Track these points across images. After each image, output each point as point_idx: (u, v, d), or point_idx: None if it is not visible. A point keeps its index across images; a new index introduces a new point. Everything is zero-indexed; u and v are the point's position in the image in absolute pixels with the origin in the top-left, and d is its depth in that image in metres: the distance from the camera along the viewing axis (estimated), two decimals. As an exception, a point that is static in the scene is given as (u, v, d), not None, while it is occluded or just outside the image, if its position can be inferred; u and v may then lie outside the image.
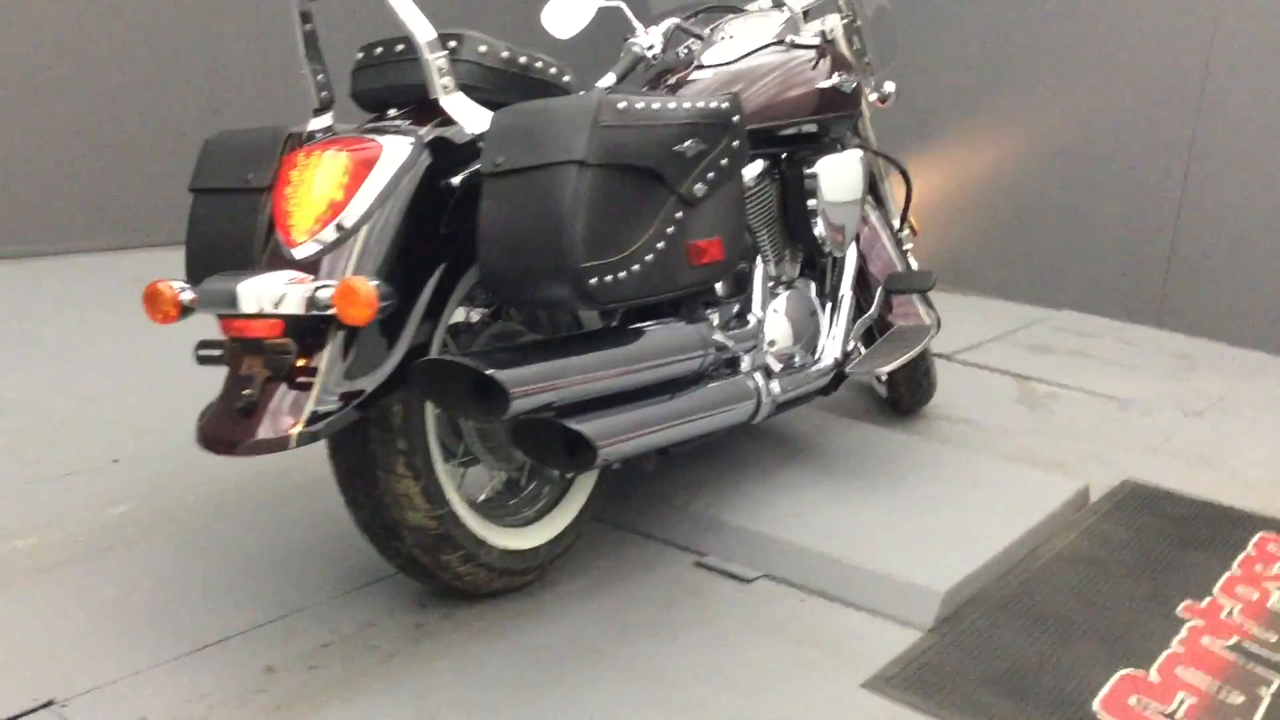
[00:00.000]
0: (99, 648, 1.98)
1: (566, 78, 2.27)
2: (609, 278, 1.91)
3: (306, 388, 1.87)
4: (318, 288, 1.84)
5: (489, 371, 1.85)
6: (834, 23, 3.18)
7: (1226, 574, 2.71)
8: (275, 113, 5.29)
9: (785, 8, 3.01)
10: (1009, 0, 5.48)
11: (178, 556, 2.31)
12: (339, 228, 1.93)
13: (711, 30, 3.01)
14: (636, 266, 1.97)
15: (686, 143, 2.05)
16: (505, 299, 1.99)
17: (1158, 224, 5.17)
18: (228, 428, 1.86)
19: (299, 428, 1.83)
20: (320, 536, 2.45)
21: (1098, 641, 2.32)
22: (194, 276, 2.15)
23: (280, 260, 1.95)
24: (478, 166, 2.02)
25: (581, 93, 2.06)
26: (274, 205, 2.01)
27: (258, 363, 1.88)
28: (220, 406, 1.89)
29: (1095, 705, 2.10)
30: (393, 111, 2.13)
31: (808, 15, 3.08)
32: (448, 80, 2.04)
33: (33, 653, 1.95)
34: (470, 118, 2.05)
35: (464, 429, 2.22)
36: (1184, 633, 2.40)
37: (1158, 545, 2.83)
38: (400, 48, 2.11)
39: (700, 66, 2.84)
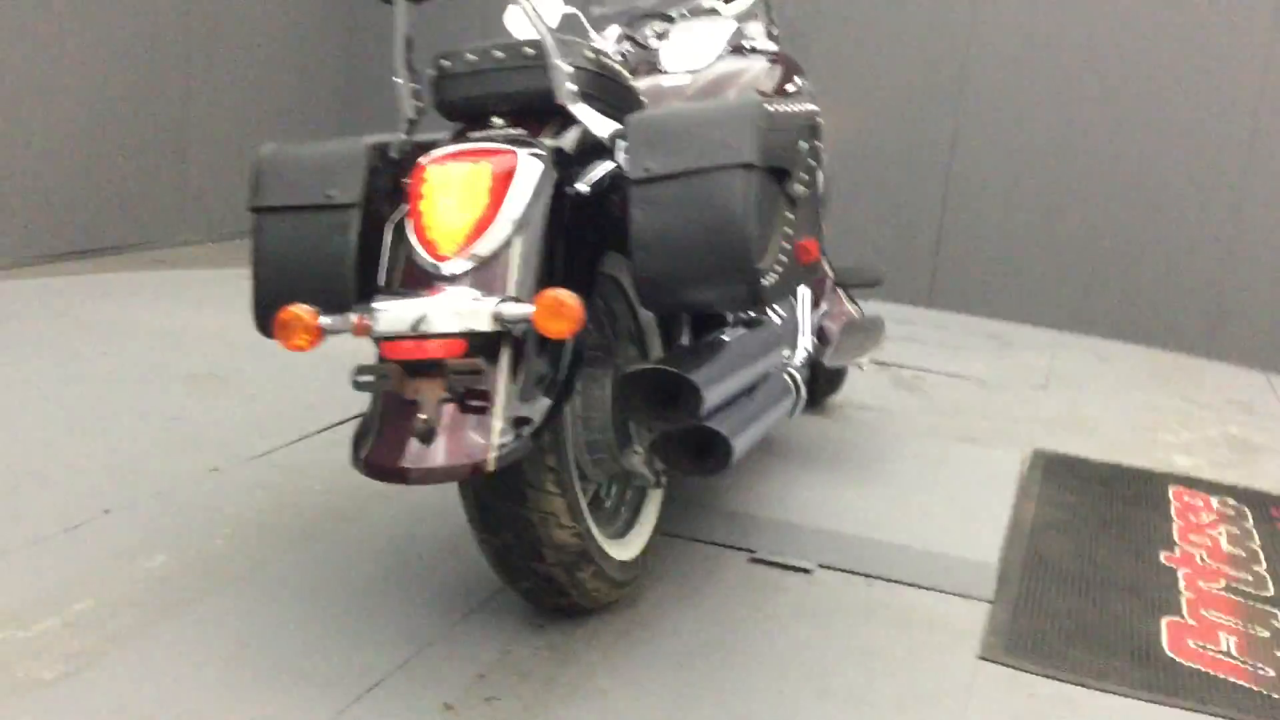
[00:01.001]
0: (259, 712, 1.81)
1: (630, 81, 2.27)
2: (771, 278, 1.93)
3: (482, 410, 1.79)
4: (505, 302, 1.77)
5: (690, 375, 1.84)
6: (757, 30, 3.28)
7: (1176, 526, 2.99)
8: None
9: (720, 15, 3.08)
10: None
11: (258, 602, 2.13)
12: (490, 242, 1.86)
13: (659, 36, 3.04)
14: (779, 267, 2.00)
15: (802, 144, 2.10)
16: (665, 304, 1.96)
17: (928, 212, 5.60)
18: (406, 455, 1.76)
19: (495, 451, 1.75)
20: (392, 564, 2.32)
21: (1128, 594, 2.53)
22: (268, 301, 2.01)
23: (425, 277, 1.86)
24: (607, 172, 1.99)
25: (727, 96, 2.05)
26: (411, 221, 1.91)
27: (433, 386, 1.78)
28: (390, 434, 1.78)
29: (1168, 650, 2.29)
30: (498, 120, 2.05)
31: (740, 19, 3.16)
32: (574, 86, 2.00)
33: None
34: (597, 123, 2.02)
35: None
36: (1182, 581, 2.64)
37: (1103, 506, 3.09)
38: (501, 54, 2.04)
39: (663, 71, 2.87)
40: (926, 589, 2.47)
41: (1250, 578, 2.71)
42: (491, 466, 1.75)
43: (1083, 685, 2.13)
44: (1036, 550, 2.72)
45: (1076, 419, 3.92)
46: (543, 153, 1.95)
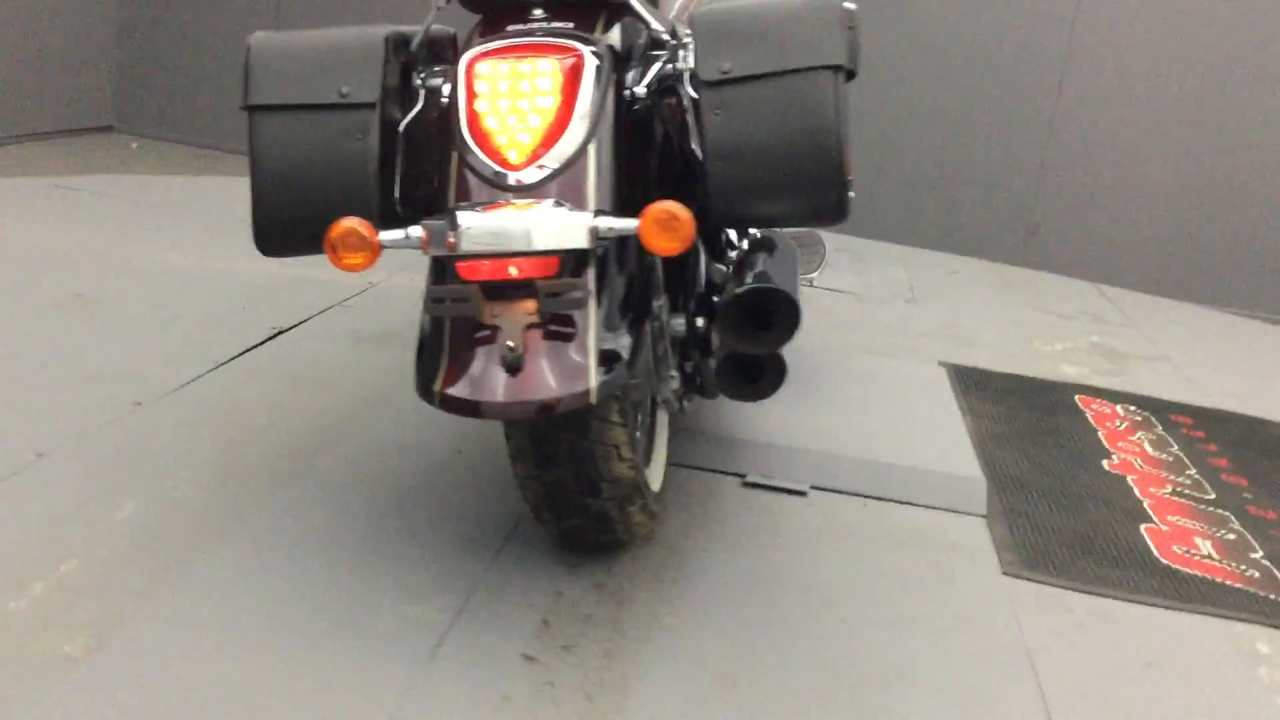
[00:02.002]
0: (334, 677, 1.61)
1: None
2: (852, 191, 1.83)
3: (572, 337, 1.62)
4: (601, 215, 1.60)
5: (795, 295, 1.72)
6: None
7: (1101, 434, 3.08)
8: None
9: None
10: None
11: (261, 554, 1.89)
12: (565, 149, 1.68)
13: None
14: (849, 178, 1.89)
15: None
16: (742, 217, 1.80)
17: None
18: (493, 388, 1.58)
19: (595, 380, 1.59)
20: (382, 503, 2.11)
21: (1098, 503, 2.58)
22: (272, 216, 1.77)
23: (490, 188, 1.67)
24: (657, 73, 1.83)
25: None
26: (466, 122, 1.70)
27: (517, 309, 1.60)
28: (470, 364, 1.60)
29: (1160, 558, 2.35)
30: (539, 12, 1.85)
31: None
32: None
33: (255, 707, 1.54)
34: (654, 18, 1.85)
35: None
36: (1135, 488, 2.72)
37: (1029, 416, 3.15)
38: None
39: None
40: (920, 506, 2.44)
41: (1189, 482, 2.81)
42: (595, 399, 1.59)
43: (1109, 597, 2.15)
44: (998, 463, 2.73)
45: (956, 331, 3.98)
46: (602, 51, 1.77)
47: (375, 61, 1.78)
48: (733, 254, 2.26)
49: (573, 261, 1.63)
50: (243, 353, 2.82)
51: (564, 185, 1.67)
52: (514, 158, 1.68)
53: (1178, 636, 2.03)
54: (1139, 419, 3.26)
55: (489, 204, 1.64)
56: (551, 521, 1.92)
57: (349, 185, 1.77)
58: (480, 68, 1.72)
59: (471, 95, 1.71)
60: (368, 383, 2.73)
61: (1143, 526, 2.49)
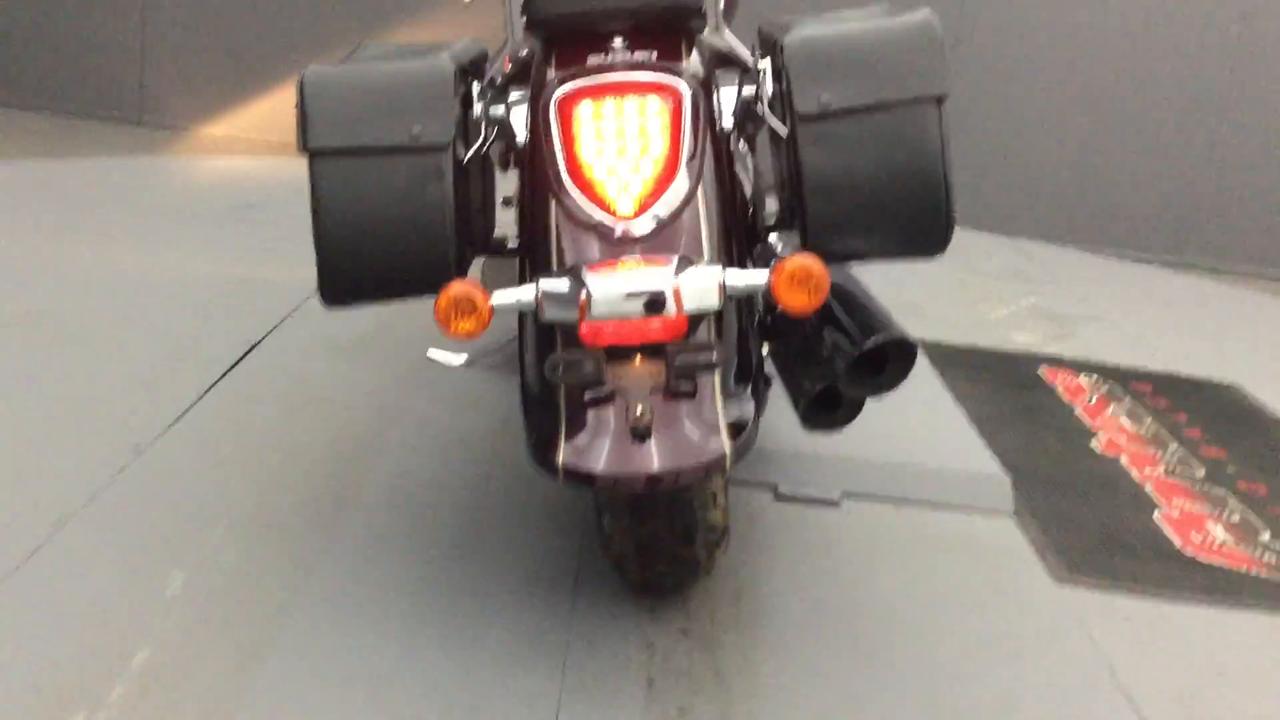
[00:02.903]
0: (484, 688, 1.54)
1: None
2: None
3: (697, 399, 1.56)
4: (731, 270, 1.54)
5: (909, 337, 1.68)
6: None
7: (1077, 409, 3.14)
8: None
9: None
10: None
11: (341, 620, 1.79)
12: (675, 195, 1.61)
13: None
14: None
15: None
16: (842, 254, 1.74)
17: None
18: (622, 458, 1.51)
19: (729, 442, 1.54)
20: (436, 548, 2.02)
21: (1104, 490, 2.64)
22: (340, 268, 1.66)
23: (605, 240, 1.59)
24: (741, 103, 1.77)
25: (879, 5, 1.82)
26: (566, 168, 1.61)
27: (643, 373, 1.53)
28: (593, 433, 1.53)
29: (1182, 549, 2.41)
30: (618, 41, 1.75)
31: None
32: (721, 4, 1.74)
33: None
34: (736, 44, 1.77)
35: None
36: (1132, 471, 2.78)
37: (1004, 395, 3.20)
38: None
39: None
40: (950, 509, 2.45)
41: (1176, 459, 2.88)
42: (730, 464, 1.53)
43: (1158, 598, 2.19)
44: (1007, 454, 2.76)
45: (905, 300, 4.01)
46: (695, 84, 1.69)
47: (447, 98, 1.66)
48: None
49: (698, 319, 1.56)
50: (224, 374, 2.66)
51: (678, 234, 1.60)
52: (625, 207, 1.60)
53: (1237, 639, 2.08)
54: (1104, 390, 3.33)
55: (606, 260, 1.55)
56: (635, 571, 1.86)
57: (424, 232, 1.65)
58: (582, 110, 1.62)
59: (570, 139, 1.62)
60: (367, 399, 2.61)
61: (1156, 514, 2.55)
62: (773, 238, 2.16)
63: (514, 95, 1.83)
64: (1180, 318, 4.32)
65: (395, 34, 5.73)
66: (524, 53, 1.77)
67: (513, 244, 1.97)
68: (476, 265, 2.50)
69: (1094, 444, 2.92)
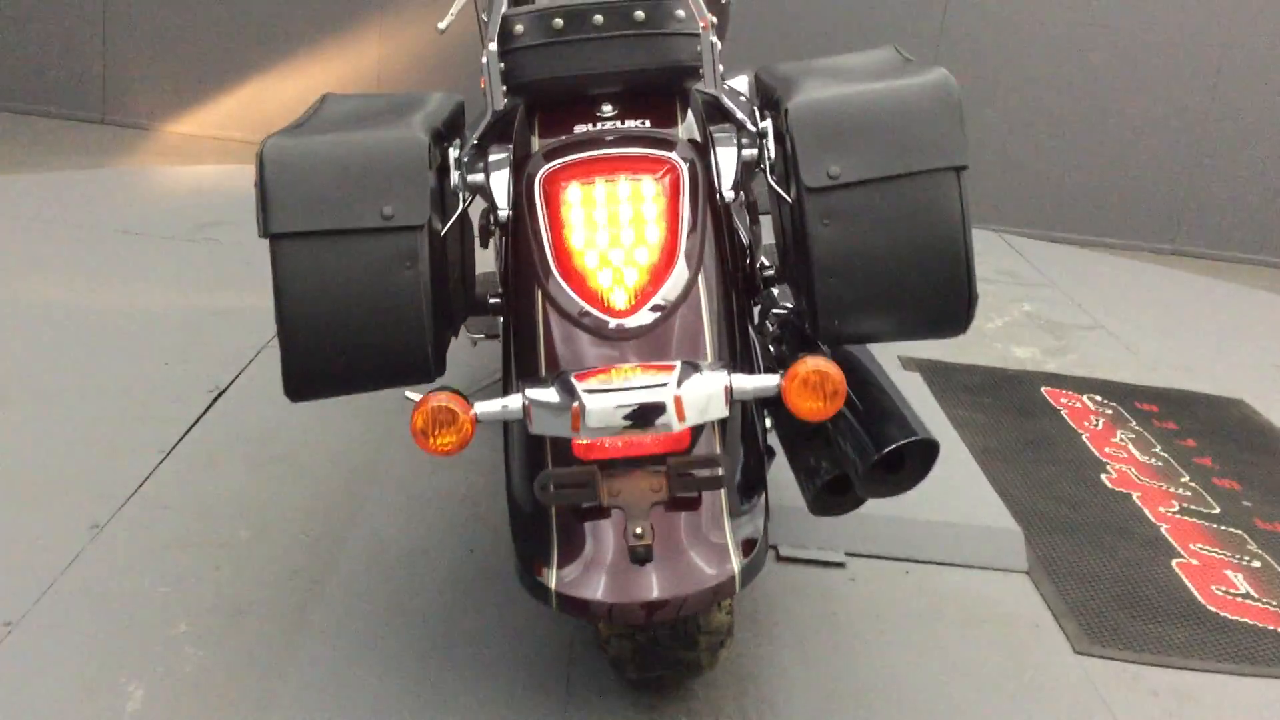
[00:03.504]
0: None
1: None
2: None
3: (701, 516, 1.42)
4: (738, 374, 1.40)
5: (932, 436, 1.54)
6: None
7: (1084, 437, 3.02)
8: None
9: None
10: None
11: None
12: (674, 287, 1.46)
13: None
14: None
15: None
16: (854, 335, 1.59)
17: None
18: (621, 585, 1.37)
19: (738, 565, 1.40)
20: (425, 643, 1.88)
21: (1118, 537, 2.51)
22: (304, 363, 1.51)
23: (597, 336, 1.44)
24: (739, 171, 1.62)
25: (899, 60, 1.66)
26: (554, 257, 1.46)
27: (641, 487, 1.39)
28: (588, 554, 1.39)
29: (1206, 604, 2.29)
30: (608, 108, 1.60)
31: None
32: (720, 66, 1.59)
33: None
34: (736, 105, 1.62)
35: None
36: (1145, 509, 2.66)
37: (1007, 422, 3.07)
38: (601, 17, 1.58)
39: None
40: (961, 567, 2.32)
41: (1189, 494, 2.76)
42: (740, 587, 1.39)
43: (1183, 668, 2.07)
44: (1007, 490, 2.63)
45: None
46: (691, 154, 1.54)
47: (421, 174, 1.50)
48: (770, 324, 2.05)
49: (701, 427, 1.41)
50: (188, 430, 2.50)
51: (677, 330, 1.46)
52: (620, 301, 1.45)
53: (1270, 714, 1.95)
54: (1109, 412, 3.21)
55: (599, 367, 1.40)
56: (633, 671, 1.72)
57: (399, 322, 1.50)
58: (570, 194, 1.47)
59: (558, 224, 1.47)
60: (340, 456, 2.45)
61: (1174, 562, 2.43)
62: (774, 293, 2.01)
63: (493, 156, 1.67)
64: (1178, 322, 4.19)
65: (365, 26, 5.53)
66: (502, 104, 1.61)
67: (493, 299, 1.83)
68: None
69: (1104, 478, 2.79)
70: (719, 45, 1.57)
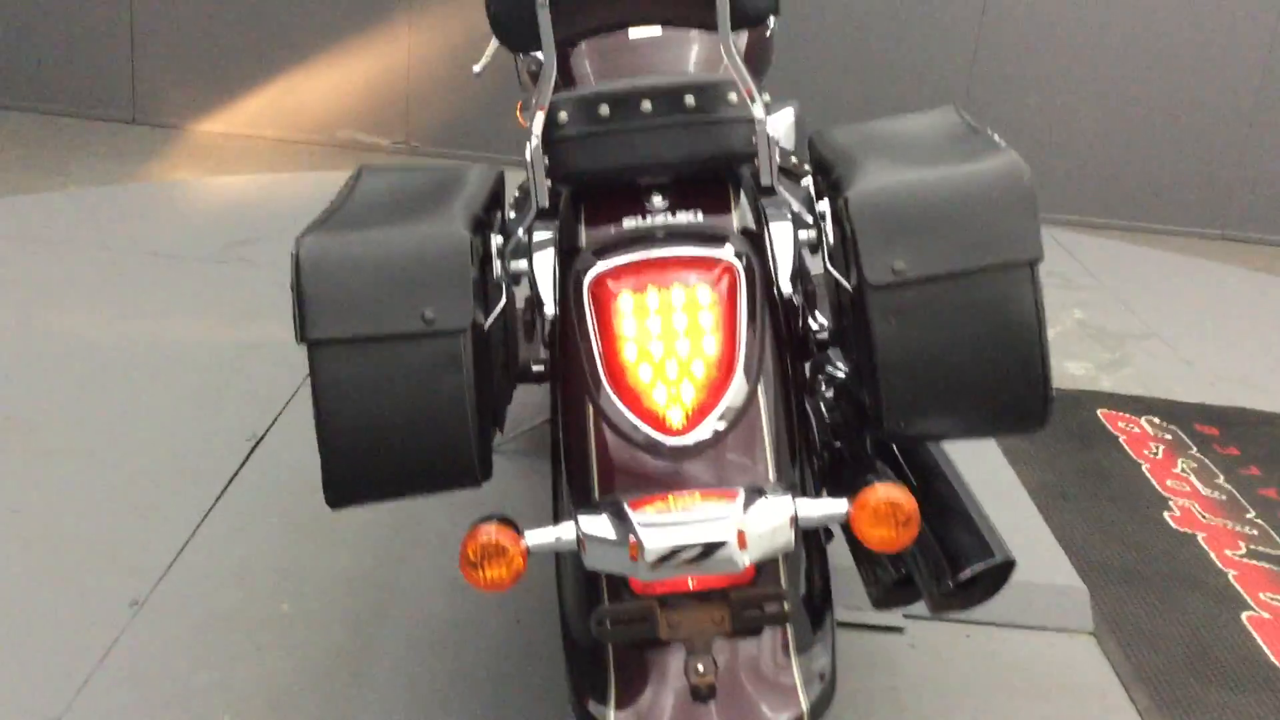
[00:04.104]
0: None
1: None
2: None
3: (767, 649, 1.36)
4: (804, 499, 1.32)
5: (1010, 554, 1.46)
6: None
7: (1145, 469, 2.92)
8: None
9: None
10: None
11: None
12: (733, 400, 1.39)
13: None
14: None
15: None
16: (920, 435, 1.50)
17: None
18: None
19: (807, 699, 1.33)
20: None
21: (1185, 588, 2.43)
22: (346, 471, 1.44)
23: (653, 457, 1.37)
24: (796, 260, 1.54)
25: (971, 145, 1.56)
26: (606, 371, 1.39)
27: (702, 620, 1.32)
28: (647, 691, 1.32)
29: (1277, 664, 2.20)
30: (658, 199, 1.52)
31: None
32: (776, 156, 1.50)
33: None
34: (792, 195, 1.53)
35: None
36: (1211, 552, 2.57)
37: (1065, 454, 2.98)
38: (649, 104, 1.49)
39: None
40: (1024, 628, 2.24)
41: (1255, 532, 2.68)
42: (810, 721, 1.32)
43: (1261, 745, 1.99)
44: (1068, 537, 2.55)
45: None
46: (748, 251, 1.45)
47: (463, 274, 1.42)
48: (822, 385, 1.96)
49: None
50: (226, 485, 2.44)
51: (736, 446, 1.38)
52: (676, 419, 1.38)
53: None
54: (1169, 438, 3.11)
55: (655, 494, 1.33)
56: None
57: (441, 427, 1.43)
58: (621, 303, 1.39)
59: (610, 334, 1.39)
60: (379, 514, 2.38)
61: (1244, 616, 2.35)
62: (831, 356, 1.93)
63: (538, 236, 1.59)
64: (1234, 327, 4.07)
65: (394, 22, 5.44)
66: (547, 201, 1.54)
67: (536, 366, 1.76)
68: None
69: (1167, 516, 2.70)
70: (776, 139, 1.49)
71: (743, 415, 1.39)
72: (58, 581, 2.11)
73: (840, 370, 1.90)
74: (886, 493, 1.29)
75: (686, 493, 1.32)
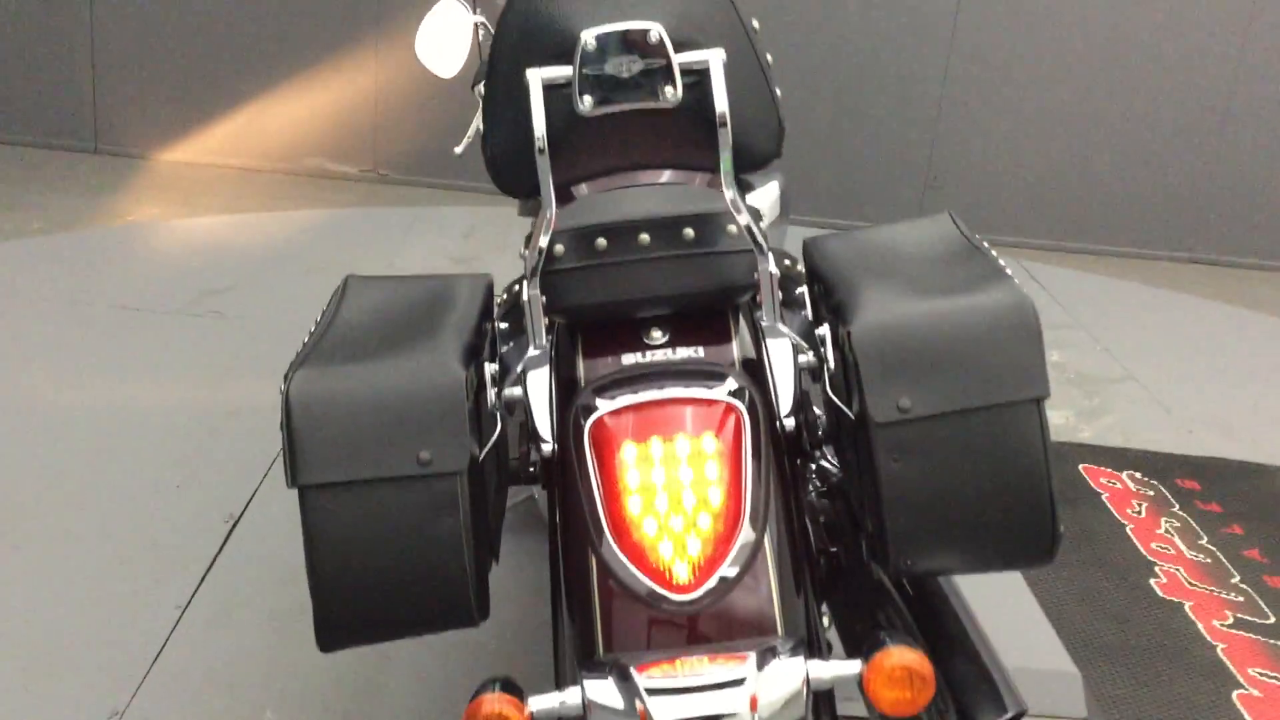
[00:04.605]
0: None
1: None
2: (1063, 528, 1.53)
3: None
4: (814, 660, 1.30)
5: (1025, 707, 1.44)
6: None
7: (1129, 527, 2.92)
8: None
9: None
10: None
11: None
12: (740, 553, 1.36)
13: None
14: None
15: None
16: (925, 570, 1.47)
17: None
18: None
19: None
20: None
21: (1174, 664, 2.42)
22: (338, 618, 1.40)
23: (655, 612, 1.34)
24: (797, 391, 1.51)
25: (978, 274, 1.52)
26: (610, 525, 1.36)
27: None
28: None
29: (1271, 747, 2.20)
30: (657, 333, 1.49)
31: None
32: (779, 294, 1.48)
33: None
34: (787, 328, 1.51)
35: None
36: (1199, 622, 2.57)
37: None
38: (647, 237, 1.47)
39: None
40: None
41: (1241, 599, 2.68)
42: None
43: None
44: (1059, 611, 2.54)
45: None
46: (749, 387, 1.43)
47: (458, 414, 1.38)
48: (812, 476, 1.93)
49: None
50: (203, 576, 2.39)
51: (744, 602, 1.35)
52: (682, 574, 1.34)
53: None
54: (1151, 494, 3.12)
55: (663, 658, 1.30)
56: None
57: (437, 571, 1.40)
58: (624, 454, 1.36)
59: (612, 484, 1.35)
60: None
61: (1235, 695, 2.35)
62: (827, 456, 1.90)
63: (532, 373, 1.55)
64: (1211, 367, 4.09)
65: (361, 49, 5.38)
66: (545, 342, 1.51)
67: (530, 467, 1.72)
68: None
69: (1154, 584, 2.70)
70: (776, 273, 1.46)
71: (749, 568, 1.36)
72: (37, 695, 2.05)
73: (832, 466, 1.88)
74: (901, 657, 1.26)
75: (695, 656, 1.29)
